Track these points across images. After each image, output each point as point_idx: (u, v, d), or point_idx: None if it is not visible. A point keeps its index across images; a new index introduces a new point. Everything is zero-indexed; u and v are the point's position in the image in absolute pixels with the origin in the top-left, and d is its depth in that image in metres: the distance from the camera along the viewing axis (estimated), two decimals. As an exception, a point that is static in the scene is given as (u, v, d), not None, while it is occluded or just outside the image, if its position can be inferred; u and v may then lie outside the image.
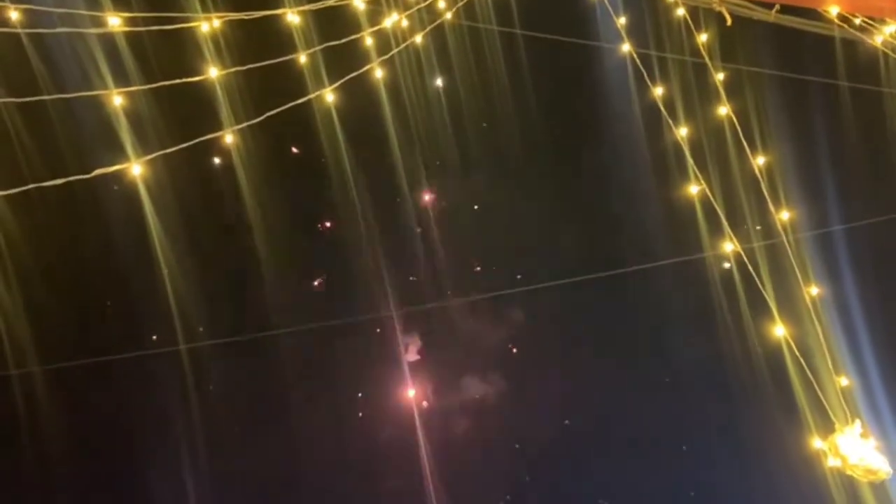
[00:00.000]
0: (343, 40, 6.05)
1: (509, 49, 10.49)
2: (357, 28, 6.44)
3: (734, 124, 6.53)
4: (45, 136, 8.59)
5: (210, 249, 10.22)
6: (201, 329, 10.13)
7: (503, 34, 10.18)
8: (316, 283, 11.44)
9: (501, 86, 10.88)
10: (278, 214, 10.43)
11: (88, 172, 4.27)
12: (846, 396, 5.27)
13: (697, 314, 10.63)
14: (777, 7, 7.04)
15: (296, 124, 9.58)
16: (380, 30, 6.43)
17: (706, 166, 7.53)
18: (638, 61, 6.84)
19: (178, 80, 5.04)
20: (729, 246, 6.11)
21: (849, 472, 5.07)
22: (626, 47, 7.16)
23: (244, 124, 5.43)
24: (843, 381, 5.43)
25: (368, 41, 6.48)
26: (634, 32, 7.53)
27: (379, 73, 6.80)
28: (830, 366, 5.45)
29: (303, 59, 6.13)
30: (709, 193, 6.20)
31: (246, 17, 5.93)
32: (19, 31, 5.38)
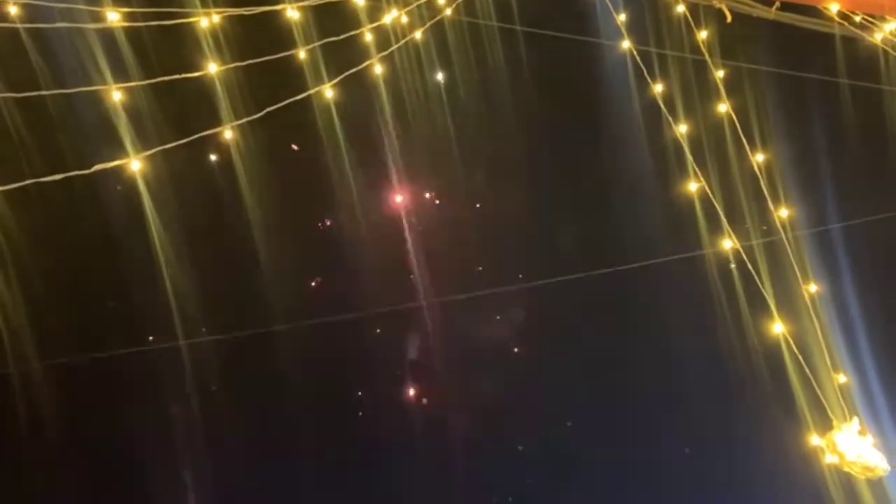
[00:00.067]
0: (342, 36, 6.05)
1: (509, 45, 10.48)
2: (356, 24, 6.43)
3: (734, 122, 6.54)
4: (44, 132, 8.58)
5: (210, 246, 10.20)
6: (201, 325, 10.12)
7: (503, 30, 10.16)
8: (313, 283, 11.41)
9: (501, 82, 10.87)
10: (277, 212, 10.42)
11: (88, 168, 4.27)
12: (844, 394, 5.28)
13: (697, 311, 10.64)
14: (777, 4, 7.05)
15: (296, 121, 9.57)
16: (379, 26, 6.43)
17: (706, 163, 7.53)
18: (638, 58, 6.84)
19: (177, 76, 5.04)
20: (728, 243, 6.12)
21: (846, 469, 5.09)
22: (625, 44, 7.16)
23: (244, 120, 5.43)
24: (842, 379, 5.44)
25: (368, 37, 6.48)
26: (634, 29, 7.52)
27: (378, 70, 6.79)
28: (829, 363, 5.47)
29: (302, 55, 6.13)
30: (708, 191, 6.21)
31: (245, 13, 5.93)
32: (18, 25, 5.38)
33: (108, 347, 9.72)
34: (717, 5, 6.96)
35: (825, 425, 5.11)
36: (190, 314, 9.87)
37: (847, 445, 5.00)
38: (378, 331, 11.23)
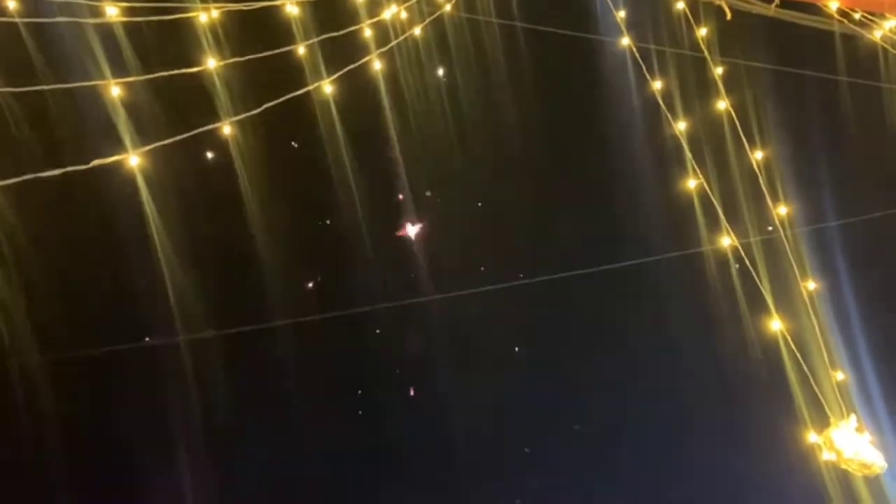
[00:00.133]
0: (342, 32, 6.04)
1: (509, 42, 10.47)
2: (356, 20, 6.43)
3: (733, 119, 6.54)
4: (44, 128, 8.57)
5: (209, 242, 10.19)
6: (201, 321, 10.10)
7: (503, 27, 10.15)
8: (312, 283, 11.38)
9: (501, 78, 10.86)
10: (277, 209, 10.40)
11: (87, 163, 4.26)
12: (842, 391, 5.29)
13: (696, 308, 10.64)
14: (777, 2, 7.06)
15: (295, 117, 9.55)
16: (379, 21, 6.43)
17: (705, 161, 7.52)
18: (637, 55, 6.84)
19: (176, 71, 5.03)
20: (727, 240, 6.12)
21: (843, 466, 5.11)
22: (625, 41, 7.17)
23: (243, 115, 5.42)
24: (839, 376, 5.45)
25: (367, 33, 6.48)
26: (634, 26, 7.52)
27: (378, 65, 6.79)
28: (827, 360, 5.48)
29: (301, 50, 6.12)
30: (706, 188, 6.21)
31: (245, 8, 5.92)
32: (17, 20, 5.37)
33: (106, 343, 9.71)
34: (717, 2, 6.97)
35: (823, 422, 5.12)
36: (189, 310, 9.86)
37: (844, 442, 5.01)
38: (378, 331, 11.20)
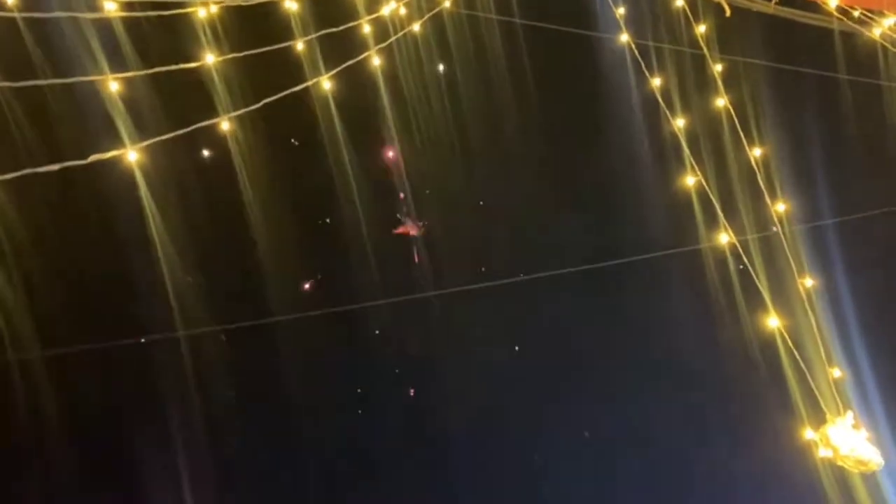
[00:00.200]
0: (341, 27, 6.04)
1: (508, 39, 10.45)
2: (355, 16, 6.42)
3: (732, 116, 6.54)
4: (43, 124, 8.55)
5: (209, 238, 10.17)
6: (200, 317, 10.08)
7: (502, 23, 10.14)
8: (307, 285, 11.36)
9: (500, 74, 10.85)
10: (277, 207, 10.38)
11: (86, 158, 4.26)
12: (838, 388, 5.30)
13: (693, 305, 10.65)
14: (776, -1, 7.05)
15: (295, 114, 9.53)
16: (378, 17, 6.42)
17: (703, 158, 7.53)
18: (636, 52, 6.84)
19: (174, 66, 5.02)
20: (724, 238, 6.13)
21: (840, 463, 5.12)
22: (624, 37, 7.16)
23: (242, 111, 5.42)
24: (836, 373, 5.46)
25: (366, 29, 6.47)
26: (633, 23, 7.51)
27: (377, 61, 6.78)
28: (824, 357, 5.48)
29: (300, 46, 6.11)
30: (705, 185, 6.21)
31: (244, 4, 5.91)
32: (15, 14, 5.36)
33: (105, 338, 9.70)
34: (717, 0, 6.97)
35: (819, 419, 5.13)
36: (188, 306, 9.86)
37: (841, 439, 5.02)
38: (377, 332, 11.18)
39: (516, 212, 11.61)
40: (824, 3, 7.29)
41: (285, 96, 5.48)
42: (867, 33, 7.53)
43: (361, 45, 6.48)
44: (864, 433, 5.04)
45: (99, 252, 9.73)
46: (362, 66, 6.55)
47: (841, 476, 8.30)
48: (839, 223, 10.16)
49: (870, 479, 8.13)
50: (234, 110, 5.50)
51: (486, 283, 10.87)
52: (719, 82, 6.81)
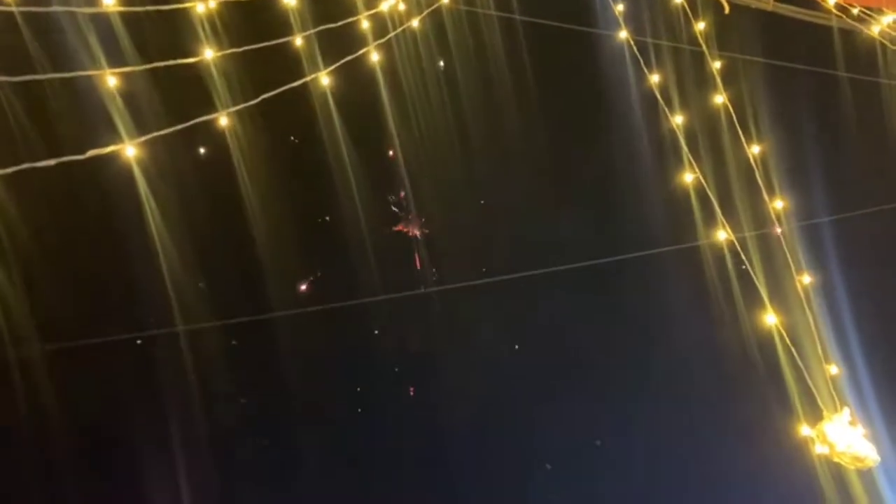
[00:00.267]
0: (339, 23, 6.03)
1: (507, 35, 10.44)
2: (353, 11, 6.41)
3: (730, 113, 6.55)
4: (41, 119, 8.54)
5: (208, 234, 10.17)
6: (199, 312, 10.08)
7: (501, 19, 10.13)
8: (304, 286, 11.35)
9: (499, 70, 10.84)
10: (276, 204, 10.37)
11: (85, 153, 4.26)
12: (835, 384, 5.31)
13: (691, 302, 10.66)
14: (775, -4, 7.05)
15: (294, 111, 9.52)
16: (376, 13, 6.41)
17: (702, 155, 7.53)
18: (635, 49, 6.85)
19: (172, 62, 5.02)
20: (722, 234, 6.14)
21: (836, 460, 5.13)
22: (623, 34, 7.17)
23: (240, 106, 5.42)
24: (833, 370, 5.47)
25: (365, 24, 6.46)
26: (632, 20, 7.51)
27: (375, 57, 6.78)
28: (821, 354, 5.50)
29: (298, 41, 6.11)
30: (703, 182, 6.23)
31: (242, -1, 5.91)
32: (13, 9, 5.36)
33: (104, 333, 9.70)
34: (715, -4, 6.97)
35: (816, 416, 5.14)
36: (186, 301, 9.85)
37: (837, 436, 5.03)
38: (376, 332, 11.17)
39: (515, 209, 11.62)
40: (823, 1, 7.30)
41: (284, 92, 5.48)
42: (866, 31, 7.54)
43: (360, 41, 6.47)
44: (860, 430, 5.05)
45: (96, 248, 9.73)
46: (362, 62, 6.54)
47: (837, 473, 8.32)
48: (837, 220, 10.18)
49: (866, 475, 8.16)
50: (233, 106, 5.49)
51: (486, 280, 10.88)
52: (718, 79, 6.81)
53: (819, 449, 5.10)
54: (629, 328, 11.08)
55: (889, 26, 7.58)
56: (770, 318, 5.55)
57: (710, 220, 6.60)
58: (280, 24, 6.49)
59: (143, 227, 9.05)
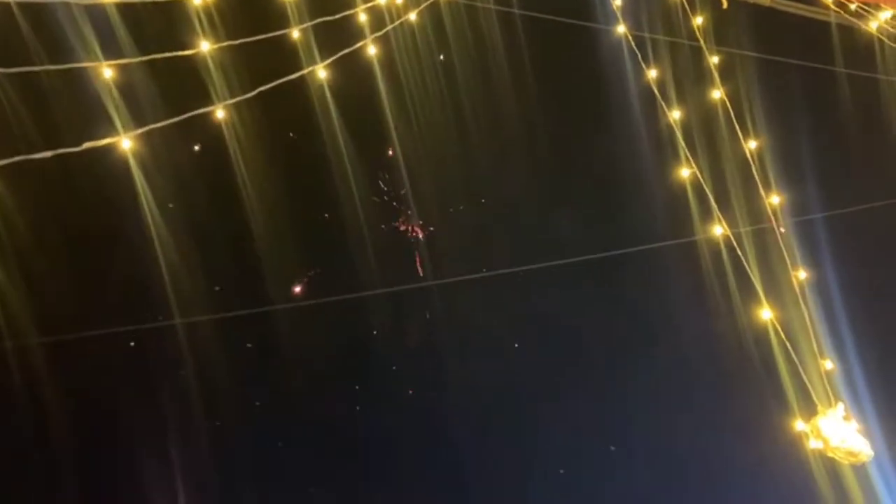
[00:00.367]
0: (337, 16, 6.01)
1: (505, 28, 10.42)
2: (351, 4, 6.39)
3: (727, 108, 6.55)
4: (38, 109, 8.52)
5: (206, 228, 10.15)
6: (197, 306, 10.06)
7: (500, 13, 10.11)
8: (298, 288, 11.32)
9: (496, 64, 10.82)
10: (275, 200, 10.35)
11: (80, 145, 4.25)
12: (829, 379, 5.32)
13: (688, 297, 10.68)
14: (773, -9, 7.04)
15: (293, 106, 9.50)
16: (374, 6, 6.39)
17: (698, 150, 7.53)
18: (633, 43, 6.84)
19: (169, 54, 5.00)
20: (718, 230, 6.14)
21: (830, 455, 5.13)
22: (621, 29, 7.15)
23: (237, 98, 5.40)
24: (828, 365, 5.48)
25: (362, 17, 6.44)
26: (630, 14, 7.50)
27: (373, 50, 6.76)
28: (815, 349, 5.50)
29: (296, 34, 6.08)
30: (699, 177, 6.23)
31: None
32: (10, 0, 5.34)
33: (102, 325, 9.68)
34: (714, -9, 6.95)
35: (810, 411, 5.15)
36: (185, 293, 9.84)
37: (831, 431, 5.03)
38: (375, 333, 11.16)
39: (513, 204, 11.62)
40: (821, -4, 7.29)
41: (282, 85, 5.46)
42: (864, 27, 7.53)
43: (357, 34, 6.45)
44: (854, 425, 5.06)
45: (91, 240, 9.71)
46: (359, 55, 6.52)
47: (831, 467, 8.35)
48: (833, 216, 10.19)
49: (860, 470, 8.18)
50: (230, 98, 5.47)
51: (485, 273, 10.86)
52: (716, 74, 6.81)
53: (813, 444, 5.11)
54: (626, 324, 11.10)
55: (886, 22, 7.57)
56: (766, 314, 5.56)
57: (706, 216, 6.60)
58: (277, 17, 6.46)
59: (139, 219, 9.04)
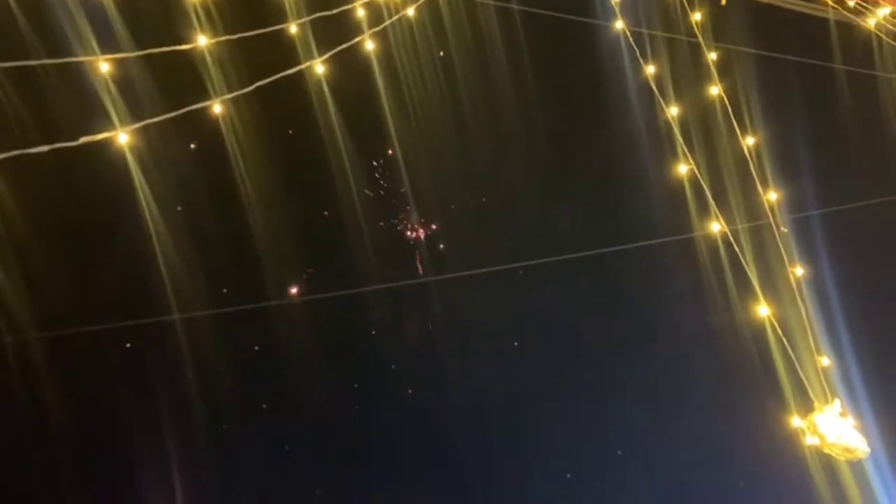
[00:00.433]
0: (335, 11, 6.00)
1: (504, 24, 10.40)
2: (349, -1, 6.37)
3: (725, 104, 6.55)
4: (35, 104, 8.50)
5: (203, 224, 10.13)
6: (196, 302, 10.04)
7: (498, 9, 10.09)
8: (294, 290, 11.28)
9: (496, 60, 10.81)
10: (275, 197, 10.32)
11: (77, 139, 4.24)
12: (826, 376, 5.33)
13: (686, 293, 10.68)
14: (771, -13, 7.04)
15: (291, 101, 9.47)
16: (372, 1, 6.38)
17: (696, 146, 7.53)
18: (631, 39, 6.83)
19: (166, 48, 4.99)
20: (716, 226, 6.15)
21: (827, 451, 5.15)
22: (619, 24, 7.15)
23: (235, 94, 5.39)
24: (824, 362, 5.49)
25: (360, 13, 6.43)
26: (628, 11, 7.49)
27: (371, 46, 6.74)
28: (812, 346, 5.51)
29: (294, 29, 6.07)
30: (697, 173, 6.23)
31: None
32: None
33: (100, 321, 9.67)
34: (712, -12, 6.95)
35: (807, 407, 5.15)
36: (183, 289, 9.83)
37: (828, 427, 5.05)
38: (375, 333, 11.14)
39: (512, 200, 11.61)
40: (820, -7, 7.29)
41: (280, 80, 5.45)
42: (862, 23, 7.53)
43: (356, 30, 6.44)
44: (850, 421, 5.07)
45: (88, 235, 9.69)
46: (357, 50, 6.51)
47: (828, 464, 8.37)
48: (830, 213, 10.20)
49: (856, 466, 8.21)
50: (228, 93, 5.46)
51: (484, 270, 10.86)
52: (713, 71, 6.81)
53: (810, 440, 5.12)
54: (625, 320, 11.09)
55: (885, 19, 7.58)
56: (763, 310, 5.56)
57: (704, 212, 6.60)
58: (275, 12, 6.44)
59: (136, 214, 9.02)
